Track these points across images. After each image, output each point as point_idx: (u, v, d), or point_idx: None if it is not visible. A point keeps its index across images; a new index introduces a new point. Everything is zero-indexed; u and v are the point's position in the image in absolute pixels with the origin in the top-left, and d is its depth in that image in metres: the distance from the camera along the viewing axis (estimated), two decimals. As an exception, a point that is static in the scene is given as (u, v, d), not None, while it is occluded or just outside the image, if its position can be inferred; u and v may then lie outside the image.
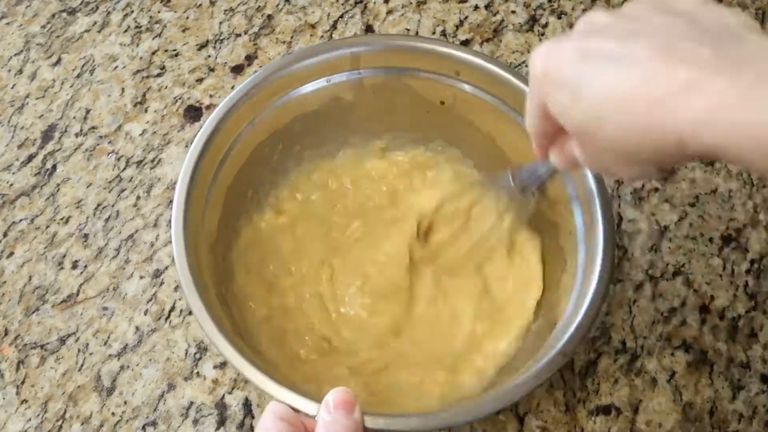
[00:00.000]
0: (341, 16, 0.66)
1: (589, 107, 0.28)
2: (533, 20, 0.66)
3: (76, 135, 0.60)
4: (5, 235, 0.56)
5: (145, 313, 0.52)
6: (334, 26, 0.66)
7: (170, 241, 0.54)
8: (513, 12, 0.66)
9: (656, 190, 0.56)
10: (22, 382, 0.50)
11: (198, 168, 0.44)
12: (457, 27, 0.65)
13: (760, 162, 0.24)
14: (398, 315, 0.49)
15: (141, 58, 0.65)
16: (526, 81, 0.46)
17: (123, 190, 0.57)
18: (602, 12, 0.31)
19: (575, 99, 0.28)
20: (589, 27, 0.30)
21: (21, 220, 0.56)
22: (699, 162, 0.57)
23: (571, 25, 0.65)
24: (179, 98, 0.62)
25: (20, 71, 0.64)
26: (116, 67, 0.64)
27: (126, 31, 0.66)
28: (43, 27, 0.67)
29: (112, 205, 0.57)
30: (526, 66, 0.63)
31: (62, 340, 0.51)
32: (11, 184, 0.58)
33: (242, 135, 0.48)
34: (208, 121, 0.45)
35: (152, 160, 0.59)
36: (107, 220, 0.56)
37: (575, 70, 0.28)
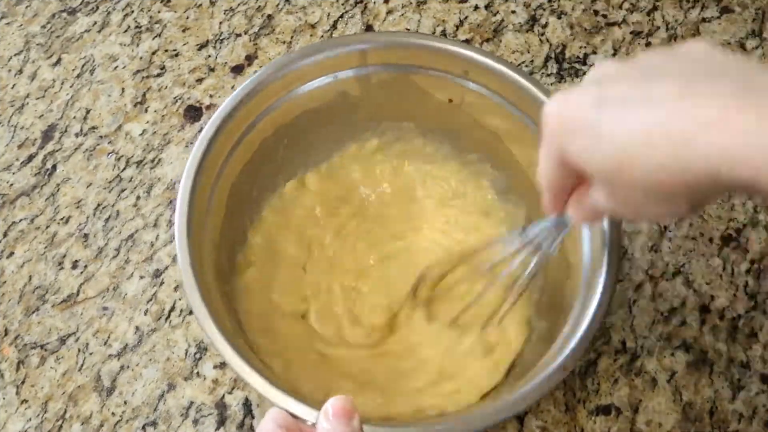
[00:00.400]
0: (341, 16, 0.66)
1: (613, 148, 0.28)
2: (533, 20, 0.66)
3: (76, 135, 0.60)
4: (5, 235, 0.56)
5: (145, 313, 0.52)
6: (334, 26, 0.66)
7: (170, 241, 0.55)
8: (513, 12, 0.66)
9: (656, 190, 0.56)
10: (22, 382, 0.50)
11: (203, 162, 0.44)
12: (457, 27, 0.65)
13: None
14: (395, 328, 0.49)
15: (141, 58, 0.65)
16: (534, 81, 0.46)
17: (123, 190, 0.57)
18: (611, 62, 0.31)
19: (598, 142, 0.28)
20: (601, 76, 0.30)
21: (21, 220, 0.56)
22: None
23: (571, 26, 0.65)
24: (179, 98, 0.62)
25: (20, 71, 0.65)
26: (116, 67, 0.64)
27: (126, 31, 0.66)
28: (43, 27, 0.67)
29: (112, 205, 0.57)
30: (527, 66, 0.63)
31: (62, 340, 0.51)
32: (11, 184, 0.58)
33: (247, 130, 0.48)
34: (214, 117, 0.45)
35: (152, 160, 0.59)
36: (107, 220, 0.56)
37: (594, 115, 0.28)
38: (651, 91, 0.27)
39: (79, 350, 0.51)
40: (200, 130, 0.46)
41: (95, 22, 0.67)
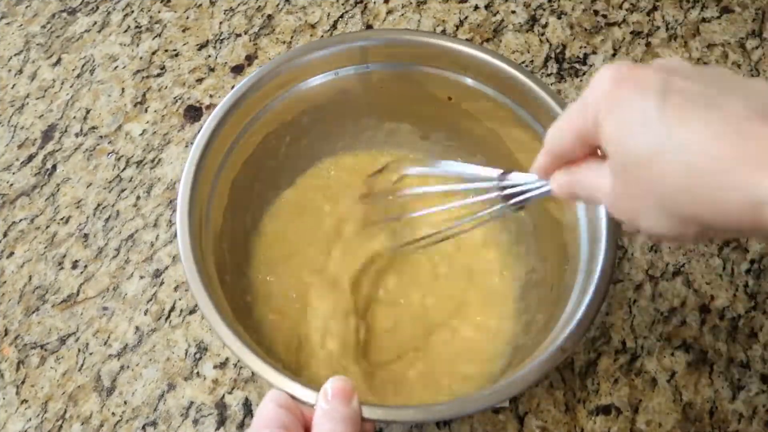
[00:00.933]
0: (341, 16, 0.66)
1: (658, 137, 0.25)
2: (533, 20, 0.66)
3: (76, 135, 0.60)
4: (5, 235, 0.56)
5: (145, 313, 0.52)
6: (334, 26, 0.66)
7: (170, 241, 0.55)
8: (513, 12, 0.66)
9: (656, 190, 0.56)
10: (22, 382, 0.50)
11: (205, 156, 0.44)
12: (457, 27, 0.66)
13: None
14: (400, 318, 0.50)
15: (141, 58, 0.65)
16: (533, 78, 0.46)
17: (123, 190, 0.57)
18: (677, 58, 0.29)
19: (645, 125, 0.26)
20: (670, 67, 0.28)
21: (21, 220, 0.56)
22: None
23: (571, 26, 0.65)
24: (179, 98, 0.62)
25: (20, 71, 0.65)
26: (116, 67, 0.64)
27: (126, 31, 0.66)
28: (43, 27, 0.67)
29: (112, 205, 0.57)
30: (527, 66, 0.63)
31: (62, 340, 0.51)
32: (11, 184, 0.58)
33: (249, 126, 0.48)
34: (215, 112, 0.45)
35: (152, 160, 0.59)
36: (107, 220, 0.56)
37: (654, 97, 0.26)
38: (725, 101, 0.25)
39: (79, 350, 0.51)
40: (201, 130, 0.46)
41: (95, 22, 0.67)
